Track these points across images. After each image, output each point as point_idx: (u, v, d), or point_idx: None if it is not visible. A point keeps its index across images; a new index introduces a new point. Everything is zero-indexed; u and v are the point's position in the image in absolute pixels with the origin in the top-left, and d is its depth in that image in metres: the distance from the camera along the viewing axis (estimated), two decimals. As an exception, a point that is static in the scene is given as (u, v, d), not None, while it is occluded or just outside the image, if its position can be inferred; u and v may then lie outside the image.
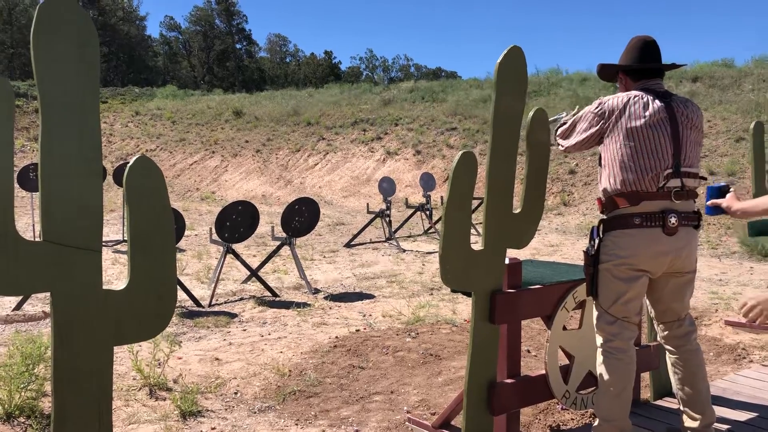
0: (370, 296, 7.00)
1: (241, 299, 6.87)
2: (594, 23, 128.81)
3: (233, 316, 6.17)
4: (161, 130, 25.26)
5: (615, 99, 2.86)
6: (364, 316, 6.14)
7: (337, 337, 5.39)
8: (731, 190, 2.88)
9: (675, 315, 3.00)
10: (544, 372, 3.19)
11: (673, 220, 2.76)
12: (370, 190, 17.49)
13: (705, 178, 2.95)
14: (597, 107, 2.90)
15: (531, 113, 3.02)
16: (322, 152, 20.64)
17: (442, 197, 13.38)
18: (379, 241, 10.99)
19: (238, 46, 66.77)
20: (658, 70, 2.95)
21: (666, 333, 3.04)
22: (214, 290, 6.72)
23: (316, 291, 7.26)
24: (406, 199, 12.64)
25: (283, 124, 23.28)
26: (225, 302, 6.73)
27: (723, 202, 2.81)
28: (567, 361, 3.33)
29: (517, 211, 3.02)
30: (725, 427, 3.35)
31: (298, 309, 6.38)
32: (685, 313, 3.01)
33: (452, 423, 3.40)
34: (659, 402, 3.73)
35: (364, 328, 5.66)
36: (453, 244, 2.76)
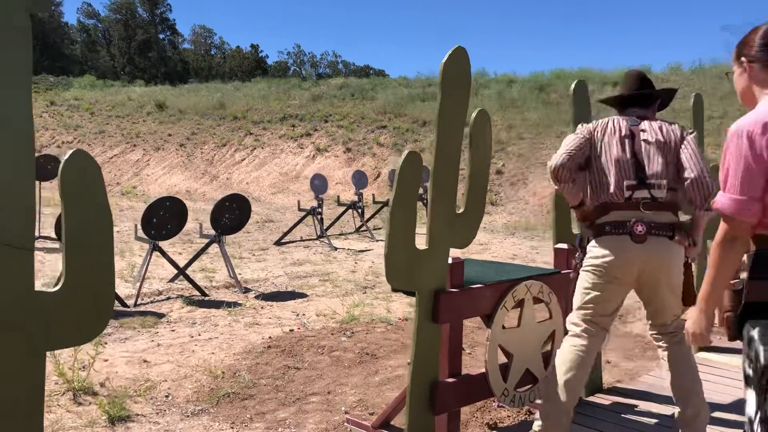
0: (303, 295, 6.92)
1: (169, 299, 6.65)
2: (519, 27, 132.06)
3: (161, 316, 5.96)
4: (79, 121, 24.24)
5: (593, 123, 3.14)
6: (298, 315, 6.06)
7: (270, 337, 5.29)
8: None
9: (659, 319, 3.12)
10: (484, 370, 3.22)
11: (639, 228, 2.91)
12: (299, 187, 17.33)
13: (675, 189, 3.06)
14: (581, 128, 3.16)
15: (473, 114, 3.04)
16: (249, 147, 20.30)
17: (373, 195, 13.39)
18: (310, 239, 10.89)
19: (161, 36, 64.87)
20: (640, 98, 3.18)
21: (652, 332, 3.21)
22: (139, 289, 6.47)
23: (247, 290, 7.11)
24: (338, 196, 12.58)
25: (208, 118, 22.76)
26: (151, 302, 6.50)
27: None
28: (506, 360, 3.37)
29: (460, 210, 3.03)
30: (653, 421, 3.47)
31: (229, 309, 6.23)
32: (671, 319, 3.10)
33: (392, 423, 3.39)
34: (591, 398, 3.84)
35: (298, 328, 5.59)
36: (398, 243, 2.74)
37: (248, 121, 21.71)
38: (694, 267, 3.15)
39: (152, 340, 5.18)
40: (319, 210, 10.64)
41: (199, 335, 5.37)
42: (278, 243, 10.47)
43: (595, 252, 3.02)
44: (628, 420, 3.49)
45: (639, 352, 4.96)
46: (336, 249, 10.00)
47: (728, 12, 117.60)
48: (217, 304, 6.40)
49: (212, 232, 7.33)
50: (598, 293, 3.03)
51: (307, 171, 18.13)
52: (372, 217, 12.52)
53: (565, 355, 3.06)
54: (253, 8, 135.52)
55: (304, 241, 10.79)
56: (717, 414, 3.53)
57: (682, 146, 3.05)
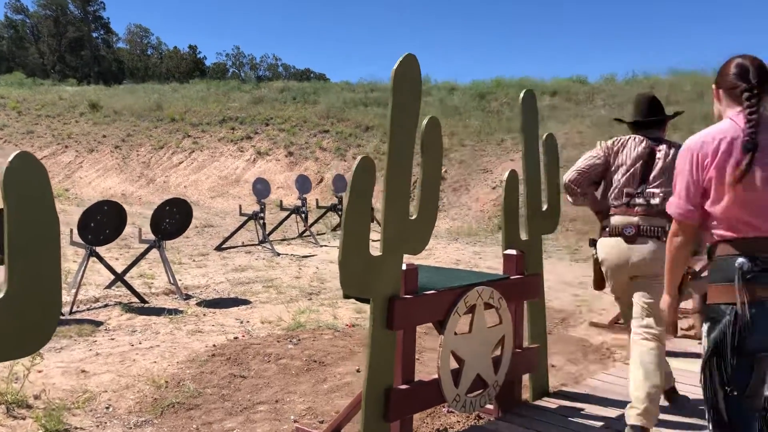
0: (246, 302, 6.79)
1: (106, 306, 6.42)
2: (460, 36, 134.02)
3: (98, 324, 5.74)
4: (5, 120, 23.21)
5: (613, 140, 3.65)
6: (242, 322, 5.94)
7: (214, 345, 5.17)
8: None
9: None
10: (436, 376, 3.22)
11: (630, 230, 3.44)
12: (239, 191, 17.06)
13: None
14: (599, 146, 3.69)
15: (425, 121, 3.04)
16: (187, 150, 19.88)
17: (317, 200, 13.31)
18: (252, 245, 10.72)
19: (94, 34, 62.89)
20: (651, 123, 3.62)
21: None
22: (75, 296, 6.23)
23: (188, 297, 6.94)
24: (281, 201, 12.44)
25: (144, 120, 22.17)
26: (88, 309, 6.26)
27: None
28: (457, 365, 3.38)
29: (413, 216, 3.02)
30: (599, 424, 3.55)
31: (170, 316, 6.06)
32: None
33: (342, 431, 3.35)
34: (538, 402, 3.89)
35: (243, 336, 5.48)
36: (353, 249, 2.72)
37: (186, 123, 21.25)
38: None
39: (90, 349, 4.99)
40: (262, 215, 10.49)
41: (140, 343, 5.20)
42: (219, 248, 10.27)
43: (599, 249, 3.62)
44: (575, 423, 3.56)
45: (581, 356, 5.07)
46: (279, 254, 9.88)
47: (662, 26, 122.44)
48: (158, 311, 6.21)
49: (152, 236, 7.12)
50: (612, 283, 3.64)
51: (248, 175, 17.88)
52: (315, 222, 12.44)
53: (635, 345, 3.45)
54: (191, 8, 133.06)
55: (245, 246, 10.62)
56: (660, 416, 3.63)
57: None
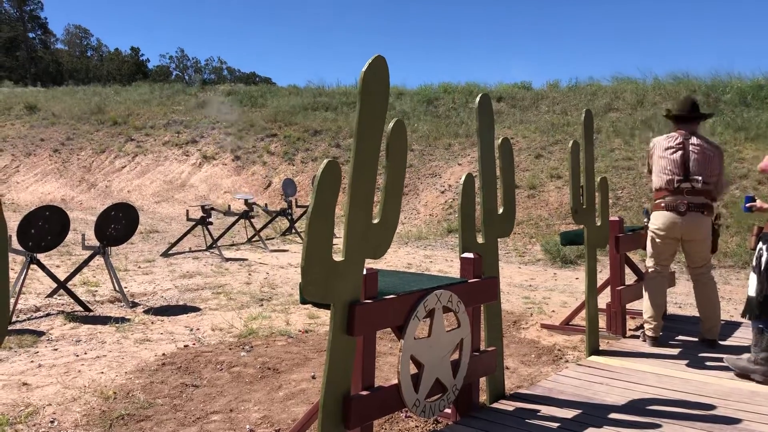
0: (196, 309, 6.64)
1: (48, 315, 6.17)
2: (407, 41, 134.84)
3: (40, 333, 5.52)
4: (-65, 122, 22.18)
5: (653, 142, 5.14)
6: (192, 330, 5.80)
7: (164, 354, 5.02)
8: (756, 198, 4.65)
9: (694, 263, 5.06)
10: (396, 382, 3.20)
11: (682, 206, 4.85)
12: (185, 196, 16.72)
13: (708, 183, 4.92)
14: (649, 148, 5.19)
15: (391, 124, 3.02)
16: (130, 154, 19.37)
17: (266, 204, 13.14)
18: (199, 250, 10.50)
19: (31, 35, 60.77)
20: (690, 118, 5.06)
21: (690, 271, 5.13)
22: (15, 305, 5.97)
23: (135, 304, 6.73)
24: (228, 205, 12.22)
25: (85, 123, 21.52)
26: (28, 319, 6.01)
27: (757, 203, 4.54)
28: (416, 370, 3.37)
29: (376, 221, 3.00)
30: (556, 425, 3.59)
31: (117, 324, 5.86)
32: (703, 262, 5.03)
33: (301, 439, 3.29)
34: (495, 405, 3.91)
35: (193, 344, 5.34)
36: (316, 255, 2.67)
37: (129, 126, 20.71)
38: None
39: (32, 361, 4.78)
40: (210, 220, 10.28)
41: (86, 354, 5.01)
42: (166, 254, 10.02)
43: (655, 220, 5.01)
44: (532, 425, 3.59)
45: (535, 357, 5.13)
46: (227, 260, 9.70)
47: (604, 35, 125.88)
48: (103, 320, 6.01)
49: (95, 243, 6.89)
50: (661, 246, 5.05)
51: (194, 179, 17.54)
52: (264, 227, 12.27)
53: (652, 283, 5.09)
54: (132, 10, 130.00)
55: (193, 252, 10.39)
56: (613, 415, 3.70)
57: (714, 157, 4.94)
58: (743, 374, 4.32)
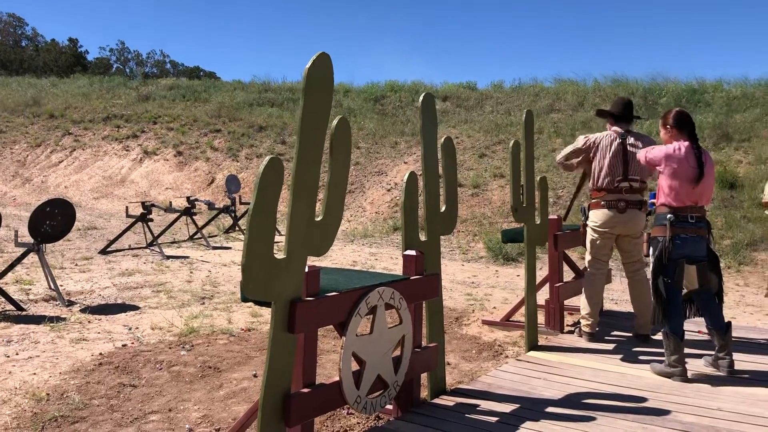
0: (135, 307, 6.49)
1: (-23, 314, 5.93)
2: (354, 38, 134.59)
3: (-32, 334, 5.30)
4: None
5: (596, 135, 5.34)
6: (130, 329, 5.67)
7: (101, 353, 4.89)
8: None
9: (630, 258, 5.30)
10: (337, 379, 3.20)
11: (621, 204, 5.12)
12: (125, 192, 16.31)
13: (644, 182, 5.23)
14: (583, 138, 5.38)
15: (335, 121, 3.02)
16: (68, 148, 18.78)
17: (209, 201, 12.95)
18: (139, 248, 10.26)
19: (-40, 22, 58.13)
20: (625, 117, 5.30)
21: (626, 267, 5.37)
22: (-59, 305, 5.72)
23: (71, 303, 6.54)
24: (170, 202, 11.98)
25: (19, 115, 20.77)
26: (-44, 319, 5.77)
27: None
28: (358, 367, 3.38)
29: (319, 218, 2.99)
30: (495, 419, 3.66)
31: (51, 324, 5.68)
32: (639, 257, 5.26)
33: (241, 438, 3.26)
34: (436, 401, 3.96)
35: (132, 343, 5.23)
36: (257, 253, 2.65)
37: (67, 120, 20.08)
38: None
39: (-41, 363, 4.59)
40: (150, 216, 10.06)
41: (17, 354, 4.84)
42: (104, 252, 9.76)
43: (595, 217, 5.24)
44: (471, 419, 3.64)
45: (475, 353, 5.21)
46: (168, 258, 9.51)
47: (549, 36, 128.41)
48: (37, 320, 5.81)
49: (29, 239, 6.66)
50: (600, 242, 5.27)
51: (134, 175, 17.13)
52: (207, 224, 12.09)
53: (591, 279, 5.32)
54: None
55: (132, 249, 10.15)
56: (550, 409, 3.79)
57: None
58: (665, 377, 4.43)
